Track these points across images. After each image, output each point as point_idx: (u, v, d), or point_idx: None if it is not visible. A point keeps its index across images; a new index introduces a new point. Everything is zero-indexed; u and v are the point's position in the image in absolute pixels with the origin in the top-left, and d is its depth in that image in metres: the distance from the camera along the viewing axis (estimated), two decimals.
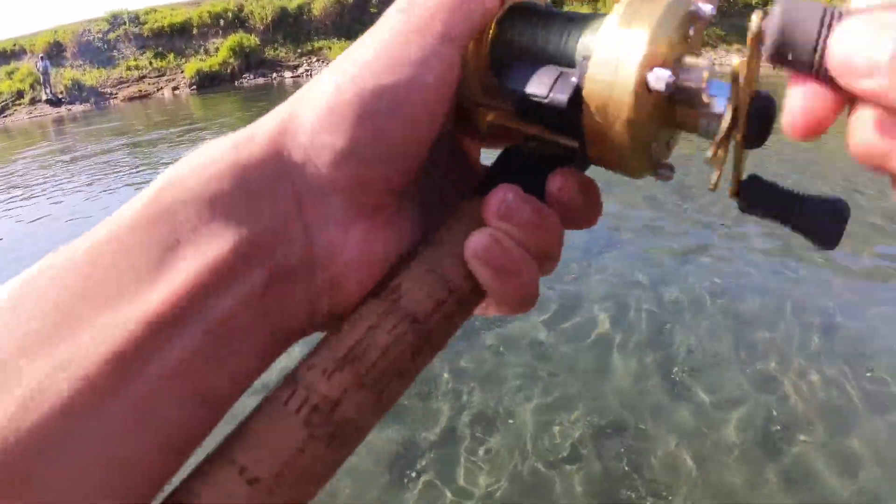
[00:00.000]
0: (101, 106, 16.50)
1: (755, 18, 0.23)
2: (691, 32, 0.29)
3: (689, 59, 0.28)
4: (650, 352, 2.80)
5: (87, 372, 0.21)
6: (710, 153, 0.27)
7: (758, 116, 0.26)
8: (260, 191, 0.25)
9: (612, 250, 3.83)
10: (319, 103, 0.26)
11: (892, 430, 2.31)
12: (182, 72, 17.70)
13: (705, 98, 0.27)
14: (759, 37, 0.23)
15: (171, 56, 18.56)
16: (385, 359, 0.26)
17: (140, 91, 17.24)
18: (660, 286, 3.36)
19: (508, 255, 0.28)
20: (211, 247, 0.24)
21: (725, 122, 0.26)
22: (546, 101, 0.28)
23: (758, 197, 0.28)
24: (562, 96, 0.28)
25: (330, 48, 17.08)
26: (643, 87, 0.26)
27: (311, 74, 15.89)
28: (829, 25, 0.21)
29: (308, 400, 0.25)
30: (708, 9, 0.28)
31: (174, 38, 19.03)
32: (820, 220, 0.27)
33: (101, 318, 0.22)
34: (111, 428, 0.22)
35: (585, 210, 0.31)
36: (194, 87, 16.93)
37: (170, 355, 0.23)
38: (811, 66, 0.22)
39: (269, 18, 18.06)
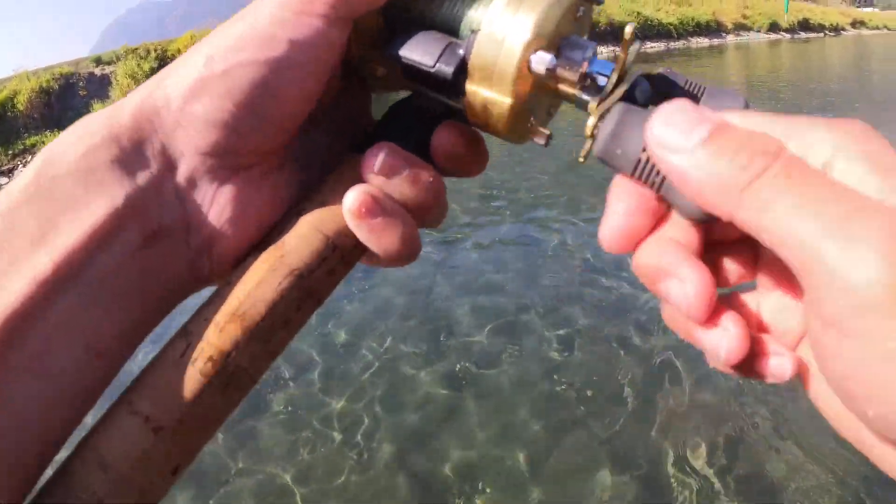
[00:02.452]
0: None
1: (628, 30, 0.28)
2: (580, 13, 0.31)
3: (575, 39, 0.30)
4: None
5: None
6: (583, 154, 0.30)
7: (634, 95, 0.29)
8: (131, 158, 0.27)
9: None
10: (190, 74, 0.28)
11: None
12: None
13: (587, 76, 0.30)
14: (626, 43, 0.28)
15: None
16: (272, 312, 0.29)
17: None
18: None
19: (383, 211, 0.30)
20: (88, 213, 0.26)
21: (611, 98, 0.29)
22: (433, 70, 0.30)
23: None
24: (447, 68, 0.30)
25: (44, 143, 16.38)
26: (525, 67, 0.29)
27: None
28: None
29: (203, 352, 0.27)
30: None
31: None
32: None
33: None
34: (4, 383, 0.24)
35: (469, 160, 0.33)
36: None
37: (58, 311, 0.25)
38: (634, 167, 0.26)
39: None
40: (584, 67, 0.30)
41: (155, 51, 16.93)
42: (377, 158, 0.31)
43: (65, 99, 17.60)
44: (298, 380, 3.10)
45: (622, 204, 0.27)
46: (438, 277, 4.05)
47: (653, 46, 24.44)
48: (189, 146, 0.29)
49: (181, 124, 0.28)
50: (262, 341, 0.29)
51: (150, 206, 0.28)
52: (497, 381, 2.97)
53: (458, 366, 3.09)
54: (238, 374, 0.28)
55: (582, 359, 3.09)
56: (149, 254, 0.28)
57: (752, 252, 0.28)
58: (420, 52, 0.31)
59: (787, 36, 29.48)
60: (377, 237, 0.30)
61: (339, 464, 2.55)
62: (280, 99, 0.29)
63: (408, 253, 0.32)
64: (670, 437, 2.52)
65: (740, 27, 28.28)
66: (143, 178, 0.28)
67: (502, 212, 5.19)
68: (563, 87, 0.31)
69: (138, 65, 15.91)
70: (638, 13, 23.09)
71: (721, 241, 0.28)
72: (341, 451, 2.62)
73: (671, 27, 25.40)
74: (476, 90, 0.30)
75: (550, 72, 0.29)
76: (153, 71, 16.92)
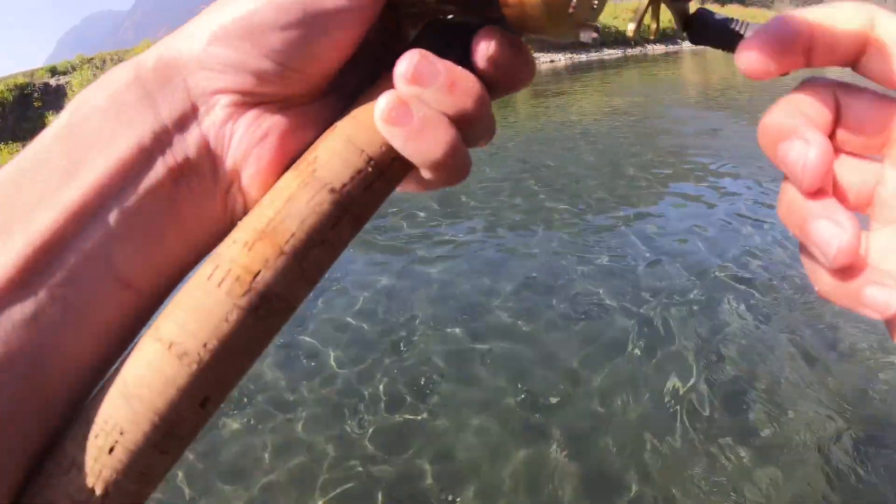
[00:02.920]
0: None
1: None
2: None
3: None
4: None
5: (8, 262, 0.24)
6: (632, 26, 0.29)
7: None
8: (156, 98, 0.27)
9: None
10: (214, 19, 0.28)
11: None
12: None
13: None
14: None
15: None
16: (304, 227, 0.27)
17: None
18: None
19: (416, 115, 0.28)
20: (115, 148, 0.26)
21: None
22: None
23: (707, 32, 0.31)
24: None
25: None
26: None
27: None
28: None
29: (230, 272, 0.26)
30: None
31: None
32: None
33: (23, 220, 0.25)
34: (31, 308, 0.24)
35: (516, 68, 0.31)
36: None
37: (85, 240, 0.25)
38: None
39: None
40: None
41: (111, 60, 16.72)
42: (407, 64, 0.28)
43: (20, 110, 17.23)
44: (256, 397, 3.07)
45: (775, 37, 0.26)
46: (394, 288, 3.94)
47: (610, 53, 24.83)
48: (211, 86, 0.28)
49: (203, 66, 0.28)
50: (294, 260, 0.27)
51: (175, 142, 0.28)
52: (457, 393, 2.86)
53: (421, 378, 3.04)
54: (269, 296, 0.26)
55: (541, 367, 2.99)
56: (178, 189, 0.28)
57: (873, 180, 0.27)
58: None
59: None
60: (414, 143, 0.28)
61: (307, 479, 2.53)
62: (309, 52, 0.28)
63: (451, 161, 0.29)
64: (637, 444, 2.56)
65: None
66: (167, 115, 0.28)
67: (453, 220, 5.19)
68: None
69: (94, 75, 15.70)
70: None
71: (845, 155, 0.28)
72: (307, 465, 2.60)
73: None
74: None
75: None
76: None
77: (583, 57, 23.79)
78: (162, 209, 0.27)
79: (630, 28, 0.29)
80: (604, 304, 3.52)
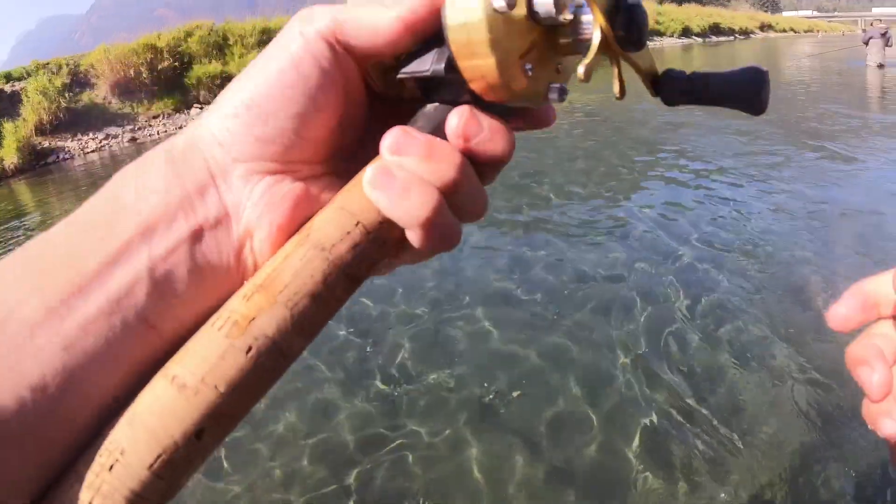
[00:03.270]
0: None
1: None
2: None
3: None
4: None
5: (53, 295, 0.29)
6: (582, 68, 0.30)
7: (627, 21, 0.30)
8: (182, 168, 0.32)
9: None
10: (226, 104, 0.33)
11: None
12: None
13: (569, 16, 0.30)
14: None
15: None
16: (296, 281, 0.30)
17: None
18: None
19: (398, 178, 0.31)
20: (146, 210, 0.31)
21: (595, 37, 0.29)
22: (430, 74, 0.32)
23: (674, 89, 0.34)
24: (439, 66, 0.32)
25: None
26: (490, 10, 0.29)
27: None
28: None
29: (229, 319, 0.29)
30: None
31: None
32: (741, 91, 0.32)
33: (67, 263, 0.30)
34: (67, 337, 0.28)
35: (485, 143, 0.33)
36: None
37: (114, 284, 0.29)
38: None
39: None
40: (566, 3, 0.31)
41: (67, 65, 16.35)
42: (390, 138, 0.32)
43: None
44: None
45: (854, 301, 0.39)
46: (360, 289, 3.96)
47: None
48: (225, 158, 0.33)
49: (217, 141, 0.33)
50: (286, 309, 0.30)
51: (197, 208, 0.32)
52: (433, 398, 2.90)
53: (390, 379, 3.03)
54: (263, 339, 0.29)
55: (519, 359, 3.09)
56: (197, 247, 0.32)
57: None
58: (415, 63, 0.33)
59: (699, 40, 30.66)
60: (397, 204, 0.31)
61: (279, 483, 2.51)
62: (300, 115, 0.32)
63: (434, 222, 0.32)
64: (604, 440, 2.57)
65: (653, 32, 29.28)
66: (191, 186, 0.32)
67: None
68: (560, 39, 0.33)
69: (50, 80, 15.29)
70: None
71: None
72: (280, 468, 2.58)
73: None
74: (467, 66, 0.31)
75: (512, 6, 0.29)
76: (65, 87, 16.34)
77: None
78: (183, 261, 0.31)
79: (580, 72, 0.30)
80: (576, 295, 3.60)
